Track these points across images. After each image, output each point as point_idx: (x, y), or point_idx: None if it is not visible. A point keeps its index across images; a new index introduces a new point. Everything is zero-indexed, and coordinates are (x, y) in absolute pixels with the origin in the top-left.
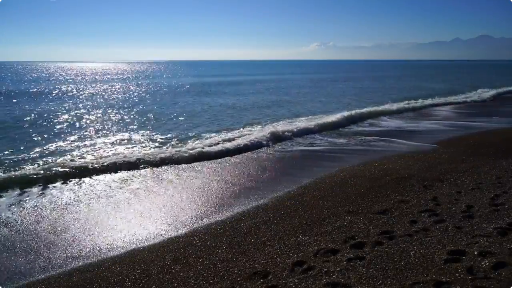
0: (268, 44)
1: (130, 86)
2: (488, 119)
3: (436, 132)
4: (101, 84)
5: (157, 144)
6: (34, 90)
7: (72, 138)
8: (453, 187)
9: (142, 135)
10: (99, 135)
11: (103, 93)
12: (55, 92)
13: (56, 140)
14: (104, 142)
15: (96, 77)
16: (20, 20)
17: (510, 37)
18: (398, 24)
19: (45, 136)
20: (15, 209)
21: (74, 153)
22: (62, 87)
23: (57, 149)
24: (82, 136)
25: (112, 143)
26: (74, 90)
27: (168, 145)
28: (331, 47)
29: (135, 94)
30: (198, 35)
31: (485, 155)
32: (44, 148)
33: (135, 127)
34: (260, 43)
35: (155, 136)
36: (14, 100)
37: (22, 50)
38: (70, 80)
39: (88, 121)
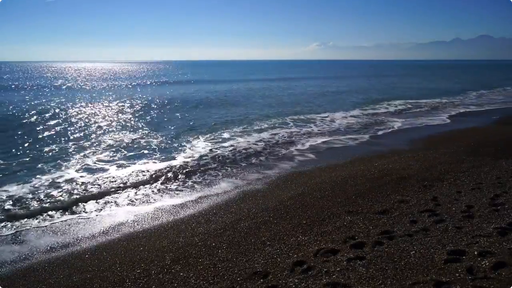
0: (268, 44)
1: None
2: None
3: None
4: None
5: None
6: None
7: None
8: (453, 187)
9: None
10: None
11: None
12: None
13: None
14: None
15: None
16: (19, 20)
17: (510, 37)
18: (398, 24)
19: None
20: None
21: None
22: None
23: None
24: None
25: None
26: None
27: None
28: (331, 47)
29: None
30: (198, 35)
31: (485, 155)
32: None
33: None
34: (260, 43)
35: None
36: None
37: (22, 50)
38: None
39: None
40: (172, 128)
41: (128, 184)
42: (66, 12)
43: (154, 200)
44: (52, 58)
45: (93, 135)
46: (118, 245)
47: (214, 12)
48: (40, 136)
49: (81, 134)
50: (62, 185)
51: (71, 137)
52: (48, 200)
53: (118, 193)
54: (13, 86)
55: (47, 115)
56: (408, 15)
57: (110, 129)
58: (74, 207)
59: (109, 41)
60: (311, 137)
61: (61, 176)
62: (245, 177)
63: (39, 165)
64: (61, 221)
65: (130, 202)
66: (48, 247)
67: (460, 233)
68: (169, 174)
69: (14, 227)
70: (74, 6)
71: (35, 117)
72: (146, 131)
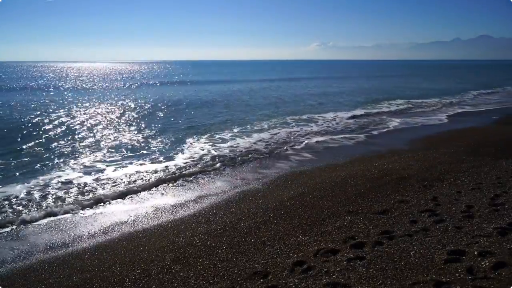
0: (268, 44)
1: None
2: None
3: None
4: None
5: None
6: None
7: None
8: (453, 187)
9: None
10: None
11: None
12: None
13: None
14: None
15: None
16: (19, 20)
17: (510, 37)
18: (398, 24)
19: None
20: None
21: None
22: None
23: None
24: None
25: None
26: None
27: None
28: (331, 47)
29: None
30: (198, 35)
31: (485, 155)
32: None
33: None
34: (260, 43)
35: None
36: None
37: (22, 50)
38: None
39: None
40: (173, 128)
41: (128, 184)
42: (66, 12)
43: (154, 200)
44: (52, 58)
45: (94, 136)
46: (118, 245)
47: (214, 12)
48: (40, 137)
49: (82, 134)
50: (61, 185)
51: (71, 138)
52: (48, 201)
53: (118, 193)
54: (14, 86)
55: (47, 115)
56: (408, 15)
57: (111, 130)
58: (73, 207)
59: (108, 41)
60: (312, 137)
61: (60, 177)
62: (245, 177)
63: (38, 166)
64: (61, 221)
65: (130, 202)
66: (48, 247)
67: (460, 233)
68: (169, 175)
69: (14, 227)
70: (74, 6)
71: (35, 118)
72: (147, 132)
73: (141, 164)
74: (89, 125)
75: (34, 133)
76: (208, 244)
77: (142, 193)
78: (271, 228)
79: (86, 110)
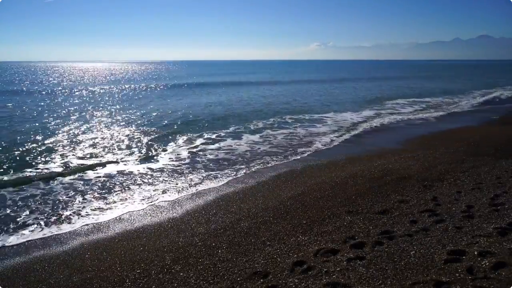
0: (268, 44)
1: None
2: None
3: None
4: None
5: None
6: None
7: None
8: (453, 187)
9: None
10: None
11: None
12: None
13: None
14: None
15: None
16: (19, 20)
17: (510, 37)
18: (398, 24)
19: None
20: None
21: None
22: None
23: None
24: None
25: None
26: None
27: None
28: (331, 47)
29: None
30: (198, 35)
31: (485, 155)
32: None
33: None
34: (260, 43)
35: None
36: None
37: (22, 50)
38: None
39: None
40: (172, 129)
41: (128, 183)
42: (65, 12)
43: (154, 200)
44: (52, 58)
45: (93, 137)
46: (118, 245)
47: (213, 12)
48: (30, 137)
49: (82, 136)
50: (60, 186)
51: (71, 138)
52: (46, 200)
53: (117, 193)
54: (19, 88)
55: (43, 116)
56: (408, 15)
57: (110, 132)
58: (72, 206)
59: (108, 41)
60: (314, 136)
61: (55, 175)
62: (245, 177)
63: (30, 161)
64: (60, 221)
65: (130, 202)
66: (48, 247)
67: (460, 233)
68: (168, 174)
69: (13, 227)
70: (74, 6)
71: (31, 120)
72: (144, 132)
73: (140, 164)
74: (89, 126)
75: (33, 134)
76: (208, 244)
77: (143, 193)
78: (271, 228)
79: (88, 113)
